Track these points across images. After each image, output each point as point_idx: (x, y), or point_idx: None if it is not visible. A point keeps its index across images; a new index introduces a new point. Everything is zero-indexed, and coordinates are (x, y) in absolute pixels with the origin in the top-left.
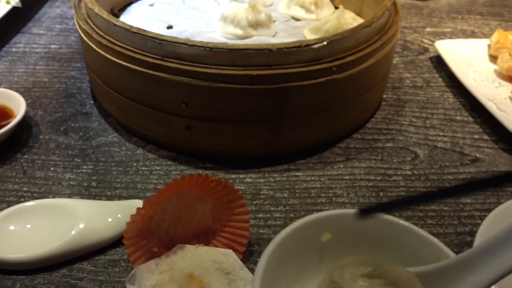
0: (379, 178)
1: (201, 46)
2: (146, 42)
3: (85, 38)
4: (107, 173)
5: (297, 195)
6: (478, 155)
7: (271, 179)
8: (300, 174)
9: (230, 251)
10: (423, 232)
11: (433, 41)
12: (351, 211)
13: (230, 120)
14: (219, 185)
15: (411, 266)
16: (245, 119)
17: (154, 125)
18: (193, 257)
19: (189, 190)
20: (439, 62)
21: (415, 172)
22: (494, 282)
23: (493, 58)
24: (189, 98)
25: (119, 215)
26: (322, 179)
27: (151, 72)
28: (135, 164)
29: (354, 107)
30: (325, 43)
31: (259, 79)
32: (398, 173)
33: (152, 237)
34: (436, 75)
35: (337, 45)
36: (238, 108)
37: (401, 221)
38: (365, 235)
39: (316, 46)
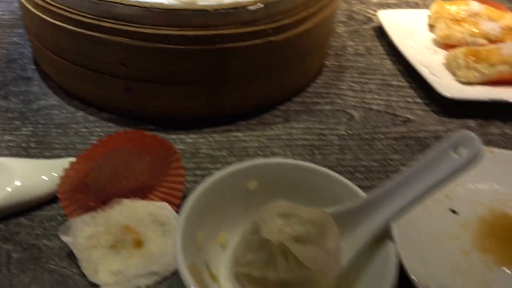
0: (315, 137)
1: (137, 6)
2: (82, 2)
3: (22, 0)
4: (46, 135)
5: (236, 153)
6: (409, 117)
7: (211, 139)
8: (239, 134)
9: (166, 204)
10: (341, 178)
11: (378, 12)
12: (277, 160)
13: (168, 82)
14: (154, 141)
15: (330, 206)
16: (183, 81)
17: (94, 87)
18: (129, 210)
19: (126, 147)
20: (381, 32)
21: (350, 132)
22: (396, 215)
23: (432, 28)
24: (126, 59)
25: (55, 173)
26: (260, 139)
27: (88, 32)
28: (75, 126)
29: (294, 70)
30: (261, 5)
31: (195, 40)
32: (334, 133)
33: (88, 192)
34: (378, 44)
35: (274, 8)
36: (176, 69)
37: (322, 169)
38: (289, 182)
39: (252, 7)
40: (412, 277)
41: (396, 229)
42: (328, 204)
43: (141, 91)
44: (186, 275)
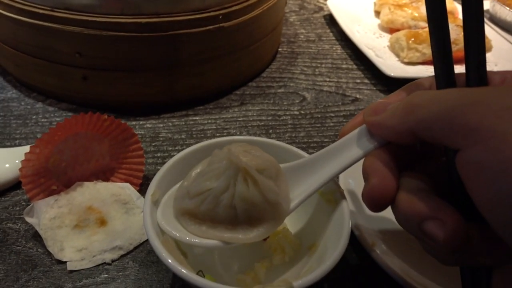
0: (270, 118)
1: None
2: None
3: None
4: (6, 126)
5: (194, 136)
6: (358, 96)
7: (170, 124)
8: (197, 118)
9: (127, 184)
10: (291, 147)
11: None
12: (230, 137)
13: (124, 69)
14: (112, 124)
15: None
16: (139, 67)
17: (52, 78)
18: (91, 192)
19: (85, 131)
20: (331, 19)
21: (302, 112)
22: (339, 170)
23: (377, 13)
24: (82, 48)
25: (17, 161)
26: (217, 122)
27: (42, 23)
28: (34, 117)
29: (247, 56)
30: None
31: (148, 27)
32: (287, 113)
33: (50, 176)
34: (328, 31)
35: None
36: (131, 56)
37: (272, 141)
38: None
39: None
40: (357, 231)
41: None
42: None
43: (98, 79)
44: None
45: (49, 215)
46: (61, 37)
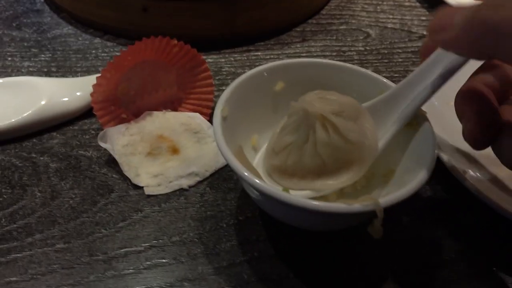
0: (334, 54)
1: None
2: None
3: None
4: (66, 60)
5: None
6: (425, 33)
7: (232, 59)
8: (259, 53)
9: (197, 114)
10: (368, 72)
11: None
12: (303, 60)
13: None
14: (181, 51)
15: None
16: None
17: (109, 10)
18: (161, 121)
19: (153, 59)
20: None
21: (367, 48)
22: (424, 100)
23: None
24: None
25: (85, 90)
26: (280, 57)
27: None
28: (94, 51)
29: None
30: None
31: None
32: (352, 49)
33: (120, 104)
34: None
35: None
36: None
37: (347, 65)
38: (314, 82)
39: None
40: (446, 159)
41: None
42: (356, 98)
43: (158, 10)
44: (229, 153)
45: (122, 142)
46: None
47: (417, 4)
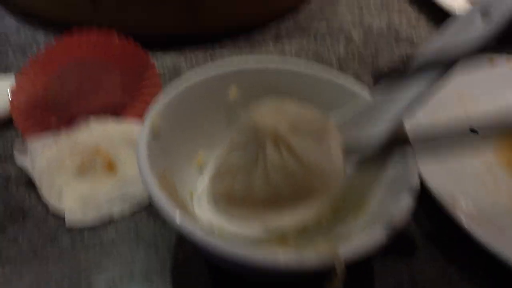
0: (310, 56)
1: None
2: None
3: None
4: (2, 56)
5: None
6: (414, 36)
7: (193, 58)
8: (225, 53)
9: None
10: (341, 78)
11: None
12: (263, 59)
13: None
14: (125, 47)
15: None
16: None
17: (57, 3)
18: (98, 131)
19: (92, 57)
20: None
21: (349, 51)
22: (410, 107)
23: None
24: None
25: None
26: None
27: None
28: (35, 47)
29: None
30: None
31: None
32: (332, 52)
33: (49, 109)
34: None
35: None
36: None
37: (318, 68)
38: (277, 88)
39: None
40: (432, 185)
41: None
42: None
43: (108, 2)
44: (153, 183)
45: (47, 156)
46: None
47: (406, 4)
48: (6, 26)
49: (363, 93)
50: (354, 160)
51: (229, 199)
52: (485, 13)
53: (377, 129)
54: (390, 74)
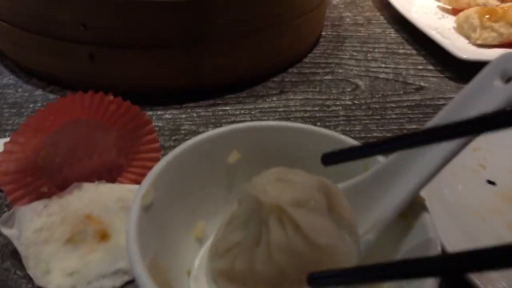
0: (316, 109)
1: None
2: None
3: None
4: None
5: None
6: (422, 84)
7: (194, 114)
8: (228, 108)
9: (138, 186)
10: (349, 140)
11: None
12: (264, 122)
13: (138, 45)
14: (120, 108)
15: (338, 182)
16: (158, 42)
17: (54, 58)
18: (92, 196)
19: (86, 118)
20: (381, 2)
21: (356, 101)
22: (428, 177)
23: None
24: (88, 18)
25: None
26: (253, 112)
27: None
28: (31, 105)
29: (288, 32)
30: None
31: None
32: (338, 103)
33: (40, 175)
34: (378, 14)
35: None
36: (146, 27)
37: (324, 130)
38: (281, 152)
39: None
40: None
41: (430, 206)
42: (332, 174)
43: (107, 58)
44: (143, 276)
45: (35, 226)
46: (64, 5)
47: (413, 51)
48: (3, 84)
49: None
50: (369, 235)
51: (229, 279)
52: (504, 74)
53: (392, 200)
54: (340, 155)
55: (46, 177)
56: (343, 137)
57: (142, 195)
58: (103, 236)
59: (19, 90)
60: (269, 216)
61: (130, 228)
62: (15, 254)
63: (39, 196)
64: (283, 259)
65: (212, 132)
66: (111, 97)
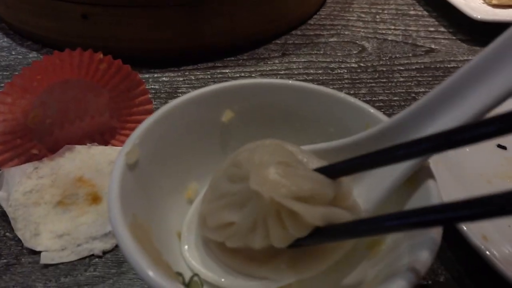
0: (320, 71)
1: None
2: None
3: None
4: None
5: None
6: (433, 46)
7: (192, 77)
8: (227, 71)
9: None
10: (349, 98)
11: None
12: (259, 80)
13: (133, 4)
14: (111, 68)
15: (337, 140)
16: (157, 2)
17: (47, 20)
18: (84, 158)
19: (77, 79)
20: None
21: (362, 64)
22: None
23: None
24: None
25: None
26: (253, 75)
27: None
28: None
29: None
30: None
31: None
32: (343, 66)
33: (30, 137)
34: None
35: None
36: None
37: (321, 88)
38: (277, 111)
39: None
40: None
41: (436, 169)
42: (332, 134)
43: (101, 18)
44: (124, 234)
45: (24, 188)
46: None
47: (425, 13)
48: None
49: (376, 114)
50: (371, 198)
51: (222, 247)
52: None
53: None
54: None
55: (37, 139)
56: (342, 95)
57: (126, 152)
58: (95, 198)
59: (13, 53)
60: (268, 212)
61: (112, 186)
62: (4, 216)
63: (30, 159)
64: (284, 244)
65: (203, 90)
66: (101, 55)
